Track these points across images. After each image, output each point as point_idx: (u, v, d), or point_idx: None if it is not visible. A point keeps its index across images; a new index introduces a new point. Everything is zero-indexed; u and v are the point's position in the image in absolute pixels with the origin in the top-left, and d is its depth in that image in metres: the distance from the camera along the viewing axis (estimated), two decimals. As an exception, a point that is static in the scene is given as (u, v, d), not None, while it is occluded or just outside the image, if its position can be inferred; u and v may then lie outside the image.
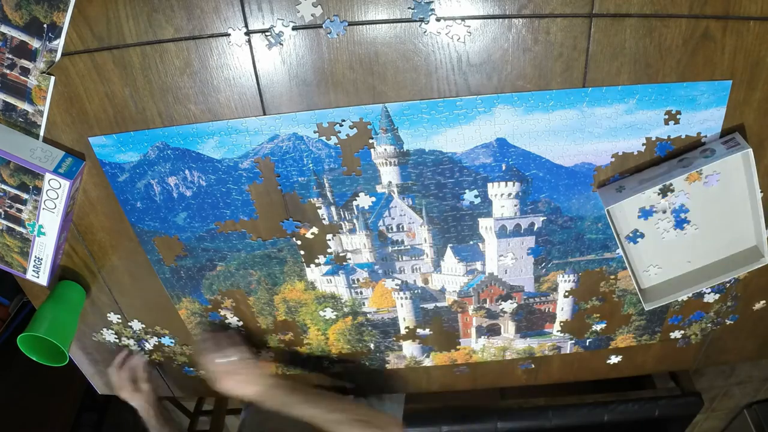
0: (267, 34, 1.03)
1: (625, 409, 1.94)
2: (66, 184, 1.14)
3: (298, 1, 0.99)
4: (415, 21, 1.01)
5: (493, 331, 1.49)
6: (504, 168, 1.17)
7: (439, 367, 1.62)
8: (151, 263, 1.36)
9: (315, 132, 1.12)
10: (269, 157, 1.16)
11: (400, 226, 1.26)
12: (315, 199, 1.22)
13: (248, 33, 1.03)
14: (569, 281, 1.36)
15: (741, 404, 3.31)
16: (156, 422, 1.59)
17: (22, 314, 2.37)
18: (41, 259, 1.31)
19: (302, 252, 1.31)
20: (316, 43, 1.03)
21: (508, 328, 1.48)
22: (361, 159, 1.16)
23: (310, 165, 1.17)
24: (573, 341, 1.52)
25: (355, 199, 1.22)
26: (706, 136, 1.14)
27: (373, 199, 1.21)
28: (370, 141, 1.13)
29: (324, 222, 1.25)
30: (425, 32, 1.02)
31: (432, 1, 0.99)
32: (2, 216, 1.25)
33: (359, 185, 1.20)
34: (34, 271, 1.35)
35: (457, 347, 1.53)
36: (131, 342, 1.58)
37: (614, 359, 1.60)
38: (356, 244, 1.29)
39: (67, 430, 2.49)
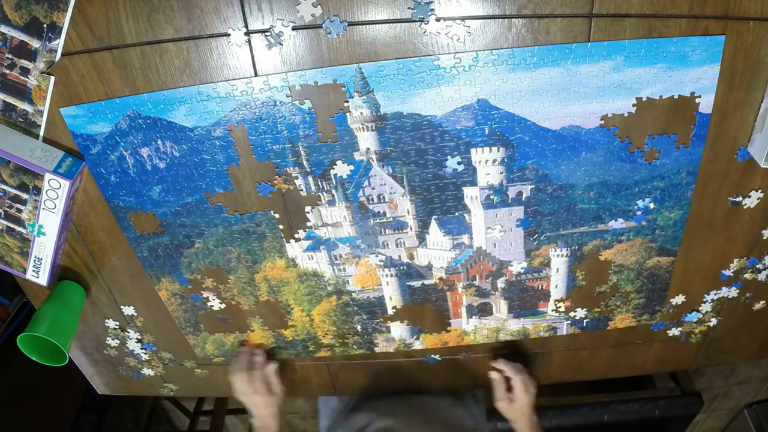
0: (267, 34, 1.02)
1: (625, 409, 1.95)
2: (66, 184, 1.14)
3: (298, 1, 0.99)
4: (415, 21, 1.00)
5: (484, 310, 1.43)
6: (487, 132, 1.11)
7: (440, 367, 1.59)
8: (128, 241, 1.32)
9: (288, 96, 1.08)
10: (242, 124, 1.11)
11: (381, 196, 1.21)
12: (291, 168, 1.17)
13: (248, 33, 1.02)
14: (562, 255, 1.30)
15: (741, 404, 3.33)
16: (277, 427, 1.50)
17: (22, 314, 2.37)
18: (41, 259, 1.31)
19: (281, 226, 1.26)
20: (316, 43, 1.03)
21: (500, 307, 1.42)
22: (336, 124, 1.11)
23: (285, 132, 1.12)
24: (569, 322, 1.45)
25: (333, 168, 1.17)
26: (699, 96, 1.07)
27: (351, 167, 1.16)
28: (345, 104, 1.08)
29: (302, 193, 1.20)
30: (425, 32, 1.01)
31: (432, 1, 0.98)
32: (2, 216, 1.25)
33: (336, 153, 1.15)
34: (33, 271, 1.34)
35: (448, 329, 1.47)
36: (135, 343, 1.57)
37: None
38: (336, 217, 1.24)
39: (67, 430, 2.50)
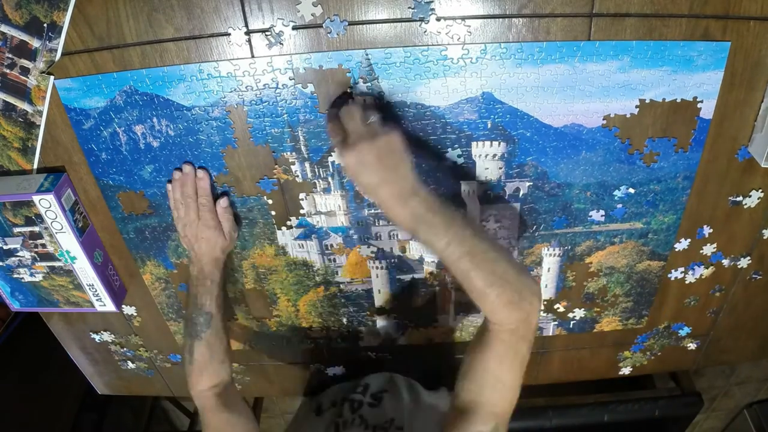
0: (267, 33, 1.02)
1: (625, 409, 1.93)
2: (50, 197, 1.15)
3: (298, 1, 0.98)
4: (416, 21, 1.00)
5: (473, 307, 1.42)
6: (489, 126, 1.11)
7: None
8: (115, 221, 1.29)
9: (291, 79, 1.06)
10: (242, 105, 1.09)
11: (378, 186, 1.20)
12: (288, 153, 1.15)
13: (248, 33, 1.02)
14: (554, 255, 1.30)
15: (741, 404, 3.35)
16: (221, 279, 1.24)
17: (22, 314, 2.31)
18: (93, 285, 1.30)
19: (273, 213, 1.24)
20: (316, 42, 1.03)
21: (489, 305, 1.41)
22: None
23: (285, 116, 1.10)
24: (556, 323, 1.45)
25: (331, 155, 1.15)
26: (701, 101, 1.08)
27: (350, 155, 1.15)
28: (348, 90, 1.07)
29: (297, 179, 1.18)
30: (425, 32, 1.01)
31: (432, 1, 0.98)
32: (38, 258, 1.27)
33: (336, 139, 1.13)
34: (97, 299, 1.35)
35: (435, 324, 1.46)
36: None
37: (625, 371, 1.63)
38: (330, 206, 1.23)
39: (67, 430, 2.49)
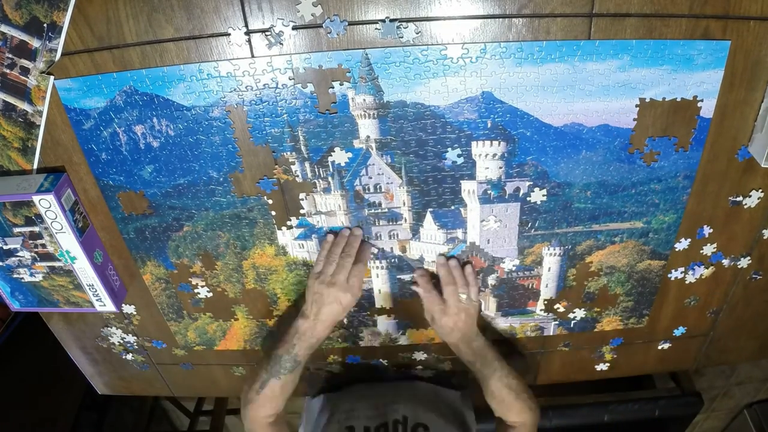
0: (267, 33, 1.02)
1: (625, 409, 1.95)
2: (51, 197, 1.15)
3: (298, 1, 0.98)
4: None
5: (473, 307, 1.42)
6: (489, 125, 1.10)
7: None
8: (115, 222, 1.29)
9: (291, 78, 1.06)
10: (241, 105, 1.09)
11: (378, 186, 1.20)
12: (288, 153, 1.15)
13: (248, 33, 1.02)
14: (555, 254, 1.30)
15: (741, 404, 3.38)
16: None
17: (22, 314, 2.32)
18: (92, 285, 1.31)
19: (273, 213, 1.24)
20: (316, 42, 1.02)
21: (489, 304, 1.41)
22: (338, 110, 1.09)
23: (285, 116, 1.10)
24: (557, 322, 1.45)
25: (331, 155, 1.15)
26: (701, 100, 1.08)
27: (350, 155, 1.15)
28: (348, 89, 1.07)
29: (297, 179, 1.18)
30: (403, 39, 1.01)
31: (400, 26, 0.99)
32: (38, 259, 1.27)
33: (335, 139, 1.13)
34: (97, 299, 1.34)
35: (435, 324, 1.46)
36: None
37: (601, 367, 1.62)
38: (330, 205, 1.23)
39: (67, 430, 2.50)
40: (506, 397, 1.30)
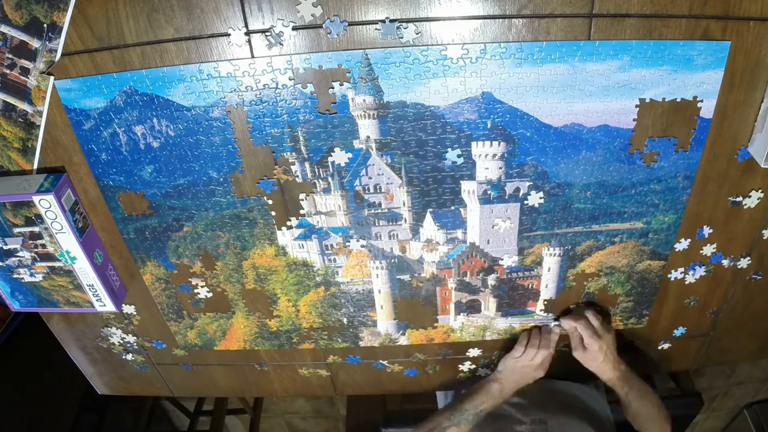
0: (267, 34, 1.02)
1: None
2: (51, 197, 1.15)
3: (298, 1, 0.98)
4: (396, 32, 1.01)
5: (473, 307, 1.42)
6: (489, 125, 1.11)
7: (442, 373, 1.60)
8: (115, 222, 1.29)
9: (291, 79, 1.06)
10: (241, 105, 1.09)
11: (378, 186, 1.20)
12: (288, 153, 1.15)
13: (248, 33, 1.02)
14: (555, 255, 1.30)
15: (741, 404, 3.38)
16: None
17: (22, 314, 2.32)
18: (93, 285, 1.31)
19: (273, 213, 1.24)
20: (316, 43, 1.02)
21: (489, 305, 1.41)
22: (338, 110, 1.09)
23: (285, 116, 1.10)
24: (557, 322, 1.45)
25: (331, 155, 1.15)
26: (701, 101, 1.08)
27: (350, 155, 1.15)
28: (348, 90, 1.07)
29: (297, 179, 1.18)
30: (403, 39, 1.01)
31: (400, 26, 0.99)
32: (38, 259, 1.28)
33: (335, 139, 1.13)
34: (97, 300, 1.35)
35: (435, 324, 1.46)
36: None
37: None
38: (330, 206, 1.23)
39: (67, 430, 2.50)
40: (651, 413, 1.46)
